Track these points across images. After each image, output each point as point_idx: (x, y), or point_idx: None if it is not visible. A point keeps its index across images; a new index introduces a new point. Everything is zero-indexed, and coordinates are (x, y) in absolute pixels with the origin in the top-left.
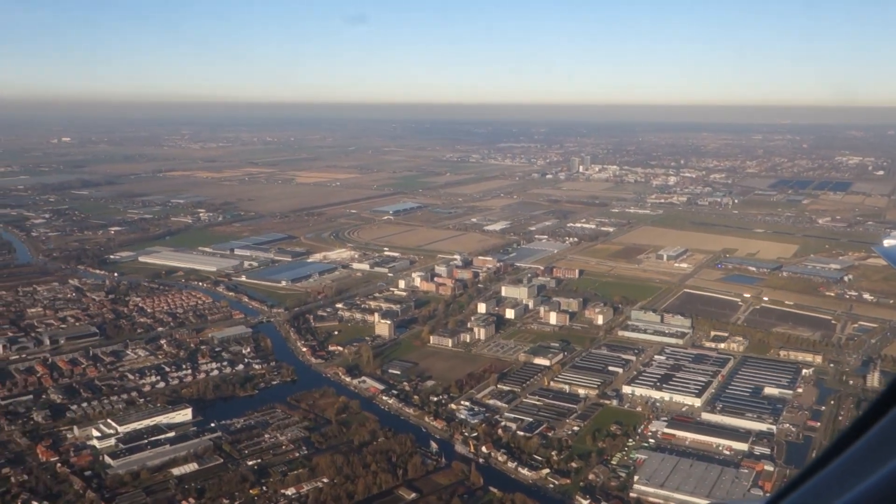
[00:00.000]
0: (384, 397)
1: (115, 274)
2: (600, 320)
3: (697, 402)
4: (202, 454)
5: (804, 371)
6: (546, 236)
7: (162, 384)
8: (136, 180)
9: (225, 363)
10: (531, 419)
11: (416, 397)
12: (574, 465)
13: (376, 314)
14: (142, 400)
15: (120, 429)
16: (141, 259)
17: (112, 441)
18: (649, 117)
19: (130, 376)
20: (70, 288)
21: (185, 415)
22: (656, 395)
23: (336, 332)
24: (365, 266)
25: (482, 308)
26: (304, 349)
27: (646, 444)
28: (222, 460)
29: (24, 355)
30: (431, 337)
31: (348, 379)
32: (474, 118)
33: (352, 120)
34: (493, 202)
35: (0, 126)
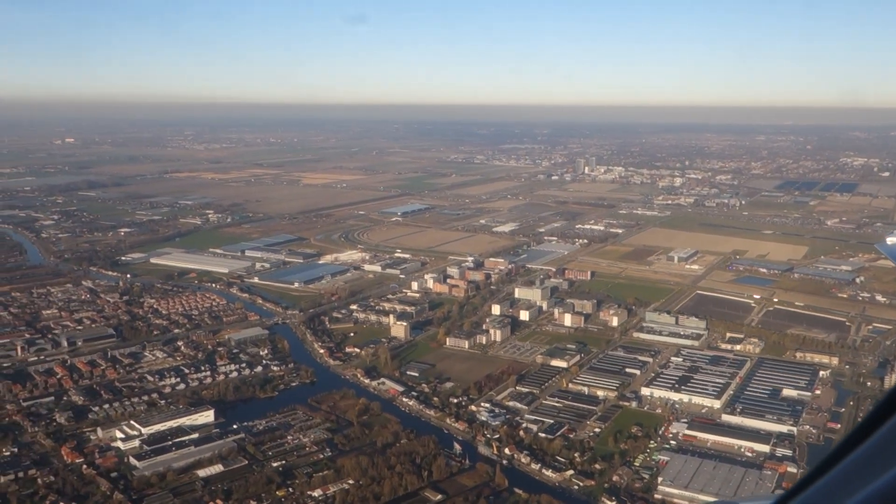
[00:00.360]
0: (404, 399)
1: (128, 275)
2: (615, 322)
3: (717, 404)
4: (226, 456)
5: (821, 373)
6: (555, 238)
7: (182, 386)
8: (143, 181)
9: (243, 365)
10: (552, 421)
11: (435, 399)
12: (597, 466)
13: (391, 316)
14: (163, 401)
15: (143, 430)
16: (152, 260)
17: (136, 443)
18: (651, 118)
19: (150, 378)
20: (84, 289)
21: (207, 416)
22: (675, 396)
23: (352, 334)
24: (376, 268)
25: (496, 310)
26: (322, 351)
27: (667, 446)
28: (247, 462)
29: (42, 357)
30: (447, 339)
31: (367, 380)
32: (476, 119)
33: (353, 121)
34: (501, 203)
35: (2, 127)
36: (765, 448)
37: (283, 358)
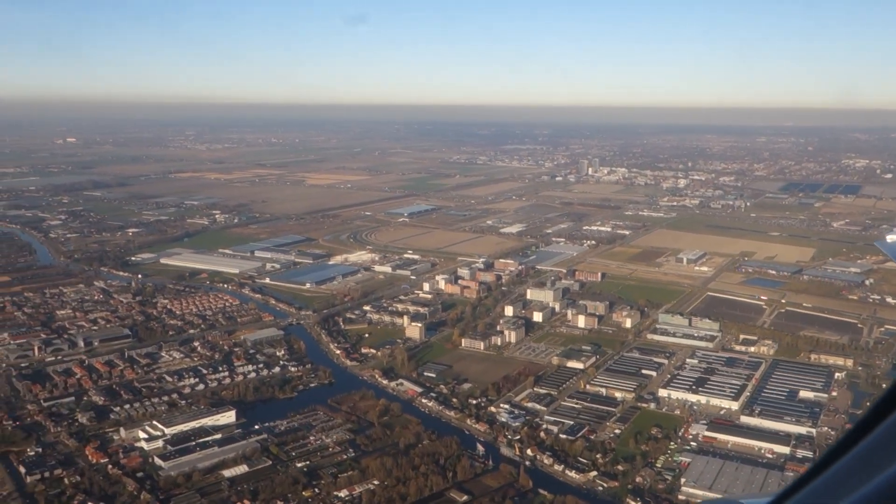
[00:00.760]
0: (423, 400)
1: (139, 276)
2: (628, 323)
3: (734, 406)
4: (250, 456)
5: (836, 374)
6: (563, 239)
7: (201, 386)
8: (147, 181)
9: (261, 365)
10: (572, 422)
11: (454, 400)
12: (620, 467)
13: (405, 317)
14: (183, 402)
15: (167, 431)
16: (163, 261)
17: (160, 443)
18: (651, 119)
19: (168, 378)
20: (96, 290)
21: (228, 417)
22: (693, 398)
23: (366, 335)
24: (387, 269)
25: (509, 311)
26: (338, 351)
27: (688, 447)
28: (270, 462)
29: (59, 357)
30: (463, 340)
31: (385, 381)
32: (476, 119)
33: (354, 121)
34: (506, 204)
35: (3, 127)
36: (785, 449)
37: (300, 358)
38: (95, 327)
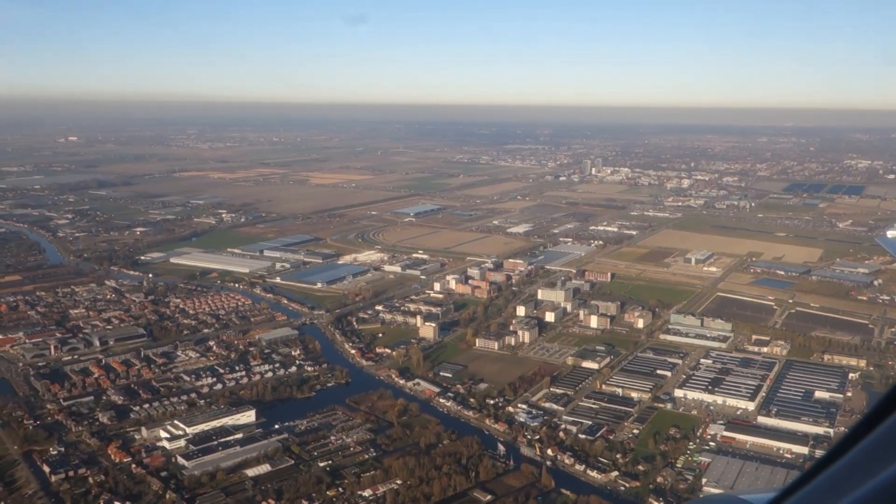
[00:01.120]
0: (441, 400)
1: (150, 275)
2: (640, 324)
3: (751, 406)
4: (272, 455)
5: (850, 375)
6: (571, 239)
7: (219, 386)
8: (151, 180)
9: (277, 365)
10: (590, 422)
11: (472, 400)
12: (641, 467)
13: (418, 317)
14: (202, 401)
15: (188, 430)
16: (172, 260)
17: (182, 442)
18: (651, 119)
19: (186, 377)
20: (108, 289)
21: (248, 416)
22: (709, 398)
23: (380, 335)
24: (396, 268)
25: (521, 311)
26: (353, 351)
27: (707, 447)
28: (293, 462)
29: (76, 356)
30: (476, 340)
31: (402, 381)
32: (477, 119)
33: (355, 120)
34: (511, 204)
35: (5, 125)
36: (803, 450)
37: (316, 358)
38: (110, 326)
